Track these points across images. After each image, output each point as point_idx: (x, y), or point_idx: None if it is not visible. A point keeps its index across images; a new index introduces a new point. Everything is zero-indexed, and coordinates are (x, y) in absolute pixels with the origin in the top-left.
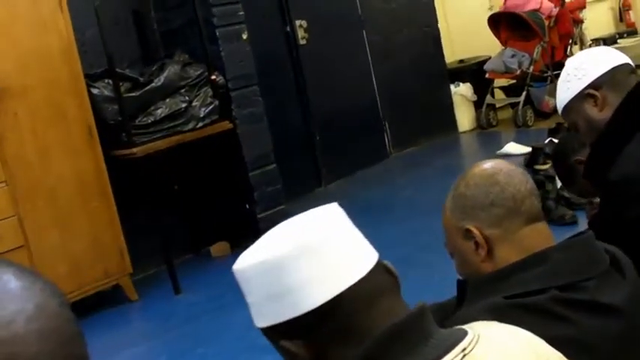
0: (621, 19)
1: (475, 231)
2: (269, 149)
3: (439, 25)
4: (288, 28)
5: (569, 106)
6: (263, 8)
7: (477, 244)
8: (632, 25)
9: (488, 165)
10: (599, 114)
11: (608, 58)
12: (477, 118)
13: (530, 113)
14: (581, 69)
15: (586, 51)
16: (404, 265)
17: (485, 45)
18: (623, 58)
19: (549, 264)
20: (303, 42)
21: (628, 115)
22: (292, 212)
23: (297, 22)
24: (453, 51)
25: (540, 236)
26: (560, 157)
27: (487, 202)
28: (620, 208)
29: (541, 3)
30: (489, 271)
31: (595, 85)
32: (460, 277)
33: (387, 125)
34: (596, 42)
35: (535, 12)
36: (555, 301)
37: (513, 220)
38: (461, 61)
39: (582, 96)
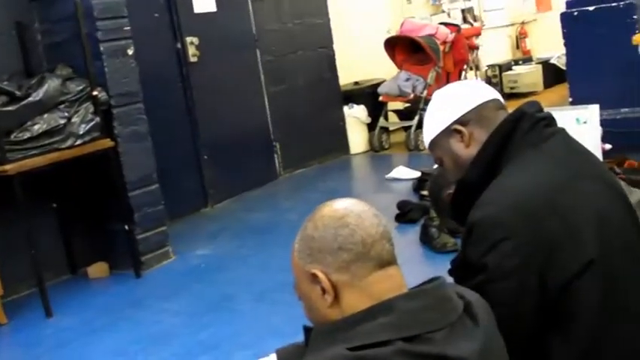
0: (518, 47)
1: (321, 276)
2: (152, 169)
3: (335, 47)
4: (178, 45)
5: (435, 141)
6: (153, 24)
7: (323, 289)
8: (528, 52)
9: (339, 205)
10: (465, 151)
11: (477, 93)
12: (370, 141)
13: (422, 137)
14: (449, 103)
15: (455, 84)
16: (289, 291)
17: (382, 68)
18: (492, 93)
19: (396, 313)
20: (193, 59)
21: (494, 153)
22: (174, 233)
23: (188, 39)
24: (349, 73)
25: (391, 283)
26: (434, 190)
27: (335, 245)
28: (478, 252)
29: (437, 28)
30: (336, 319)
31: (462, 120)
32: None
33: (277, 145)
34: (492, 68)
35: (431, 37)
36: (400, 354)
37: (362, 266)
38: (356, 83)
39: (449, 131)
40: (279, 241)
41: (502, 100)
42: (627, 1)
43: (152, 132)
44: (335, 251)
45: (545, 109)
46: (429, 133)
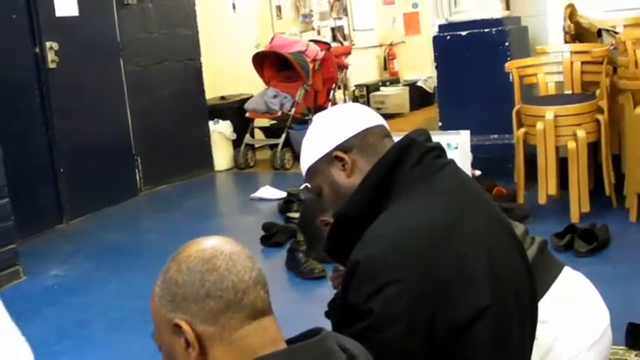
0: (385, 68)
1: (186, 327)
2: (1, 181)
3: (202, 59)
4: (37, 50)
5: (313, 168)
6: (10, 26)
7: (187, 342)
8: (396, 74)
9: (207, 244)
10: (346, 180)
11: (362, 118)
12: (235, 158)
13: (289, 156)
14: (331, 126)
15: (337, 107)
16: (148, 320)
17: (250, 83)
18: (377, 119)
19: None
20: (52, 66)
21: (378, 184)
22: (26, 251)
23: (48, 44)
24: (216, 87)
25: (265, 336)
26: (307, 215)
27: (202, 292)
28: (362, 295)
29: (307, 46)
30: None
31: (344, 146)
32: None
33: (139, 160)
34: (360, 88)
35: (300, 54)
36: None
37: (233, 316)
38: (222, 97)
39: (329, 158)
40: (139, 263)
41: (387, 126)
42: (500, 28)
43: (3, 141)
44: (202, 299)
45: None
46: (306, 159)
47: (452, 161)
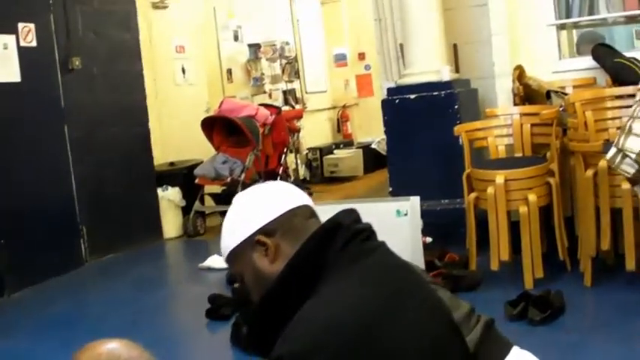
0: (339, 130)
1: None
2: None
3: (150, 124)
4: None
5: (234, 253)
6: None
7: None
8: (349, 136)
9: (105, 348)
10: (269, 267)
11: (285, 198)
12: (185, 225)
13: None
14: (252, 208)
15: (260, 186)
16: None
17: (200, 148)
18: (302, 199)
19: None
20: None
21: (302, 271)
22: None
23: None
24: (165, 152)
25: None
26: (244, 291)
27: None
28: None
29: (257, 110)
30: None
31: (267, 230)
32: None
33: (84, 229)
34: (313, 151)
35: (250, 118)
36: None
37: None
38: (171, 163)
39: (251, 242)
40: (83, 337)
41: (314, 206)
42: (449, 91)
43: None
44: None
45: (365, 201)
46: (227, 244)
47: (382, 244)
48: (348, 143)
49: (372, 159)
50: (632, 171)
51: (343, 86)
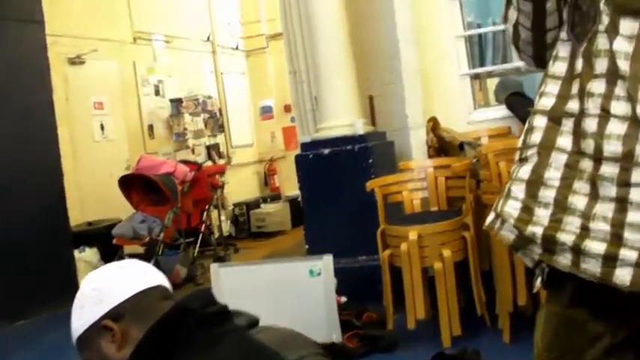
0: (266, 184)
1: None
2: None
3: (67, 182)
4: None
5: (82, 340)
6: None
7: None
8: (277, 189)
9: None
10: (116, 354)
11: (136, 279)
12: None
13: None
14: (100, 290)
15: (112, 265)
16: None
17: (120, 207)
18: (156, 279)
19: None
20: None
21: (149, 357)
22: None
23: None
24: (83, 211)
25: None
26: None
27: None
28: None
29: (176, 166)
30: None
31: (114, 314)
32: None
33: None
34: (239, 206)
35: (168, 175)
36: None
37: None
38: (89, 223)
39: (97, 328)
40: None
41: (169, 286)
42: (363, 145)
43: None
44: None
45: (279, 261)
46: (74, 329)
47: (236, 329)
48: (276, 197)
49: (300, 212)
50: (512, 237)
51: (270, 139)
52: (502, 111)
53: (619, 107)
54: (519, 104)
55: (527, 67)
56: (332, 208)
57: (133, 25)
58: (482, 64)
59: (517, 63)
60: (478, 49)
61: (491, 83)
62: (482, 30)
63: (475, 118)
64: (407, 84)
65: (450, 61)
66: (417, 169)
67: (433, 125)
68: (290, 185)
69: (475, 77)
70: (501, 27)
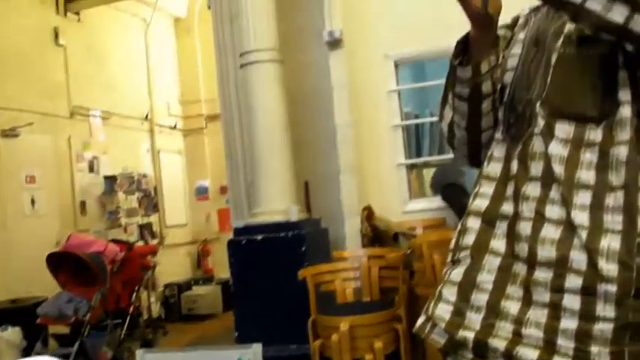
0: (199, 265)
1: None
2: None
3: None
4: None
5: None
6: None
7: None
8: (210, 271)
9: None
10: None
11: None
12: None
13: None
14: None
15: None
16: None
17: (48, 285)
18: None
19: None
20: None
21: None
22: None
23: None
24: (8, 289)
25: None
26: None
27: None
28: None
29: (106, 245)
30: None
31: None
32: None
33: None
34: (171, 287)
35: (98, 254)
36: None
37: None
38: (14, 300)
39: None
40: None
41: None
42: (296, 232)
43: None
44: None
45: (208, 348)
46: None
47: None
48: (208, 279)
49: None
50: (442, 341)
51: (204, 220)
52: (437, 202)
53: (553, 211)
54: (455, 196)
55: None
56: (263, 295)
57: (71, 100)
58: (418, 154)
59: (453, 154)
60: (415, 140)
61: (428, 173)
62: (419, 120)
63: (410, 208)
64: (343, 171)
65: (387, 151)
66: (350, 258)
67: (368, 214)
68: (223, 268)
69: (411, 167)
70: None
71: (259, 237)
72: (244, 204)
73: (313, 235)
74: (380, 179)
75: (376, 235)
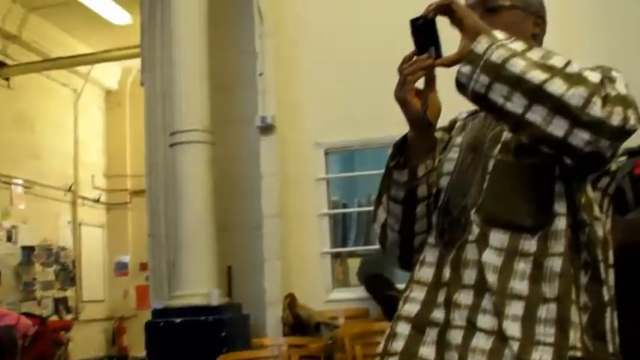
0: (114, 342)
1: None
2: None
3: None
4: None
5: None
6: None
7: None
8: (125, 349)
9: None
10: None
11: None
12: None
13: None
14: None
15: None
16: None
17: None
18: None
19: None
20: None
21: None
22: None
23: None
24: None
25: None
26: None
27: None
28: None
29: (18, 319)
30: None
31: None
32: None
33: None
34: None
35: (9, 328)
36: None
37: None
38: None
39: None
40: None
41: None
42: (217, 317)
43: None
44: None
45: None
46: None
47: None
48: (123, 357)
49: None
50: None
51: (122, 296)
52: (361, 292)
53: (485, 321)
54: (379, 287)
55: None
56: None
57: None
58: (344, 243)
59: (379, 246)
60: (342, 229)
61: (353, 263)
62: (347, 210)
63: (333, 297)
64: (267, 258)
65: (313, 239)
66: (270, 346)
67: (290, 302)
68: (139, 346)
69: (336, 256)
70: (367, 208)
71: (178, 320)
72: (164, 284)
73: (234, 321)
74: (304, 267)
75: (298, 323)
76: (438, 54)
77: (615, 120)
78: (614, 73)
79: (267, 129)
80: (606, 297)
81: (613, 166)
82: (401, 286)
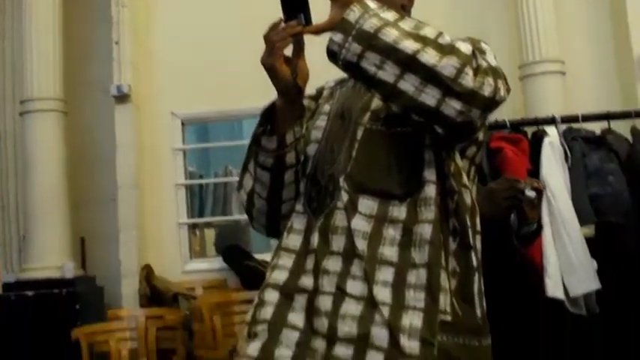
0: None
1: None
2: None
3: None
4: None
5: None
6: None
7: None
8: None
9: None
10: None
11: None
12: None
13: None
14: None
15: None
16: None
17: None
18: None
19: None
20: None
21: None
22: None
23: None
24: None
25: None
26: None
27: None
28: None
29: None
30: None
31: None
32: None
33: None
34: None
35: None
36: None
37: None
38: None
39: None
40: None
41: None
42: (70, 289)
43: None
44: None
45: None
46: None
47: None
48: None
49: None
50: None
51: None
52: (219, 262)
53: (355, 287)
54: (236, 257)
55: (246, 221)
56: (34, 355)
57: None
58: (201, 214)
59: (237, 216)
60: (198, 199)
61: (209, 234)
62: (204, 180)
63: (190, 267)
64: (123, 228)
65: (169, 210)
66: (127, 318)
67: (147, 274)
68: None
69: (193, 227)
70: (223, 179)
71: (30, 293)
72: (14, 258)
73: (88, 294)
74: (161, 238)
75: (155, 295)
76: (308, 21)
77: (486, 90)
78: (483, 45)
79: (122, 98)
80: (474, 262)
81: (480, 136)
82: (258, 256)
